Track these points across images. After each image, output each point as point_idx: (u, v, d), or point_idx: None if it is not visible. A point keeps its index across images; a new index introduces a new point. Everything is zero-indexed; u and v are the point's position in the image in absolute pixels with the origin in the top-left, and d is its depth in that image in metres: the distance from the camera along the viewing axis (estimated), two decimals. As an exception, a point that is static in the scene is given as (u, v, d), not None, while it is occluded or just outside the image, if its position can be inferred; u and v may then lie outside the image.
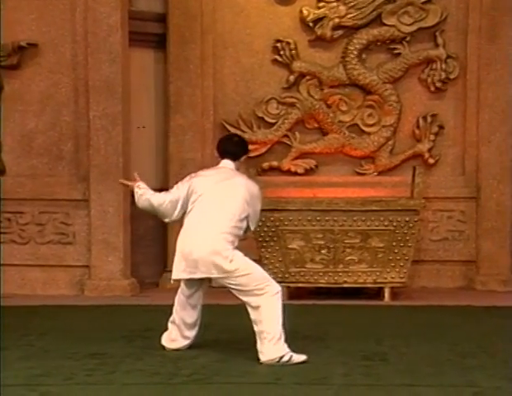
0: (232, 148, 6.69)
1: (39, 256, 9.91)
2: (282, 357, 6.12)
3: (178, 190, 6.54)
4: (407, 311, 8.79)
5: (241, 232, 6.41)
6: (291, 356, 6.14)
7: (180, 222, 6.58)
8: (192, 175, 6.68)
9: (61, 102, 9.90)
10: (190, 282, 6.49)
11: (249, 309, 6.26)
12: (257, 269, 6.34)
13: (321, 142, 10.46)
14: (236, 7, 10.50)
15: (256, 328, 6.21)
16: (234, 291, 6.34)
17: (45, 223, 9.93)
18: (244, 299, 6.28)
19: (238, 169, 6.68)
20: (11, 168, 9.25)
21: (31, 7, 9.76)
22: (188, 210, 6.47)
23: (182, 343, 6.61)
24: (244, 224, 6.43)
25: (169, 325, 6.65)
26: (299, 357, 6.17)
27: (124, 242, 9.81)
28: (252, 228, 6.56)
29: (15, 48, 9.72)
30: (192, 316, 6.57)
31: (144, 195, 6.62)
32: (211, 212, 6.35)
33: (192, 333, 6.61)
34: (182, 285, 6.55)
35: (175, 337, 6.62)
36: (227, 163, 6.63)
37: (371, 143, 10.43)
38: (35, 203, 9.86)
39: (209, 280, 6.52)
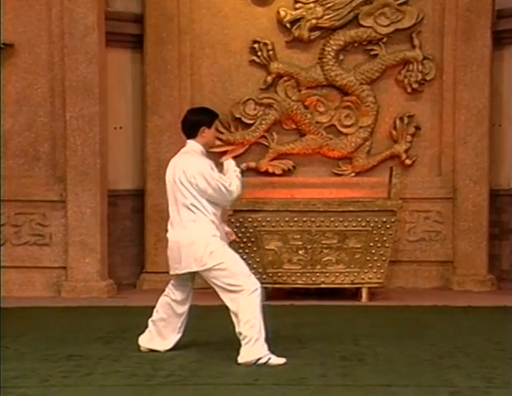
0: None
1: (15, 258, 9.84)
2: (258, 359, 6.10)
3: None
4: (384, 311, 8.82)
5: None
6: (269, 359, 6.11)
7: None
8: None
9: (37, 103, 9.85)
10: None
11: (229, 308, 6.17)
12: (236, 264, 6.21)
13: (299, 143, 10.46)
14: (213, 7, 10.49)
15: (236, 329, 6.19)
16: (213, 286, 6.25)
17: (21, 224, 9.86)
18: (222, 296, 6.20)
19: (208, 146, 6.45)
20: (-14, 169, 9.21)
21: (7, 7, 9.69)
22: None
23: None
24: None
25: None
26: (278, 360, 6.13)
27: (101, 243, 9.77)
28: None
29: (-10, 48, 9.68)
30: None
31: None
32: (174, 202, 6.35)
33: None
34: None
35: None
36: (188, 144, 6.45)
37: (348, 144, 10.45)
38: (12, 204, 9.79)
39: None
